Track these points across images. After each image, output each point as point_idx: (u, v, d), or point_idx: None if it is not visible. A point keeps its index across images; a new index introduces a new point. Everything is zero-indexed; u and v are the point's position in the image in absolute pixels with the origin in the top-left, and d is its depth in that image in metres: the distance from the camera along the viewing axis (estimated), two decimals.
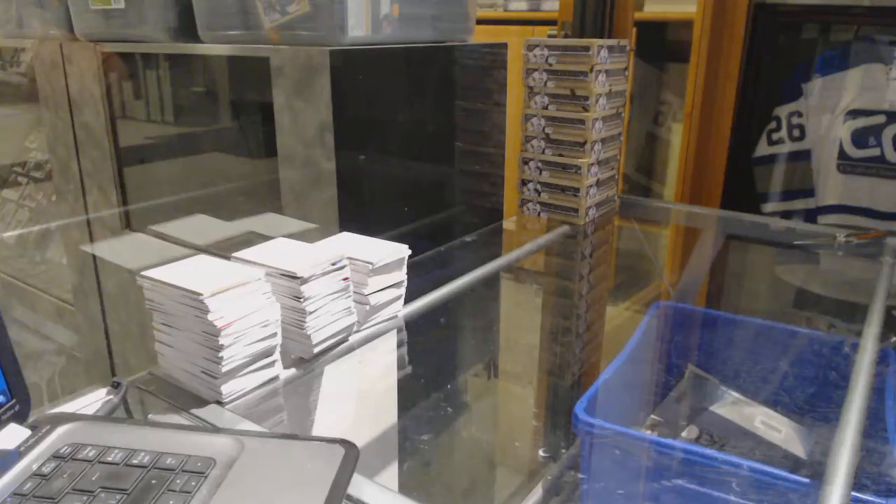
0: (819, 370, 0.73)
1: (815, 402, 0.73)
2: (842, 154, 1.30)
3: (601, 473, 0.53)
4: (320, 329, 0.64)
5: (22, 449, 0.44)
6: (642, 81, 1.85)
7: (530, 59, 1.10)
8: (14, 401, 0.48)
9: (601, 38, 1.24)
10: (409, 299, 0.77)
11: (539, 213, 1.14)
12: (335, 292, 0.65)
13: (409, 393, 0.68)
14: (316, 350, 0.65)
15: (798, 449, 0.65)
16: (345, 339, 0.69)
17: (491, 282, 0.93)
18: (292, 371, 0.63)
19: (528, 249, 1.04)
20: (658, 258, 1.17)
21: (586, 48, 1.03)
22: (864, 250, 1.01)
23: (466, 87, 1.08)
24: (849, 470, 0.48)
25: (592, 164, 1.09)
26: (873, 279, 0.86)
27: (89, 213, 1.31)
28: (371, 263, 0.68)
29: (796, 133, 1.38)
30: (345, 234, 0.75)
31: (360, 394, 0.67)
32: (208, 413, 0.56)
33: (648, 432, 0.49)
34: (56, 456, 0.43)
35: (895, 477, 0.56)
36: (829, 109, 1.33)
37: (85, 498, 0.40)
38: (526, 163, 1.13)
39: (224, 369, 0.56)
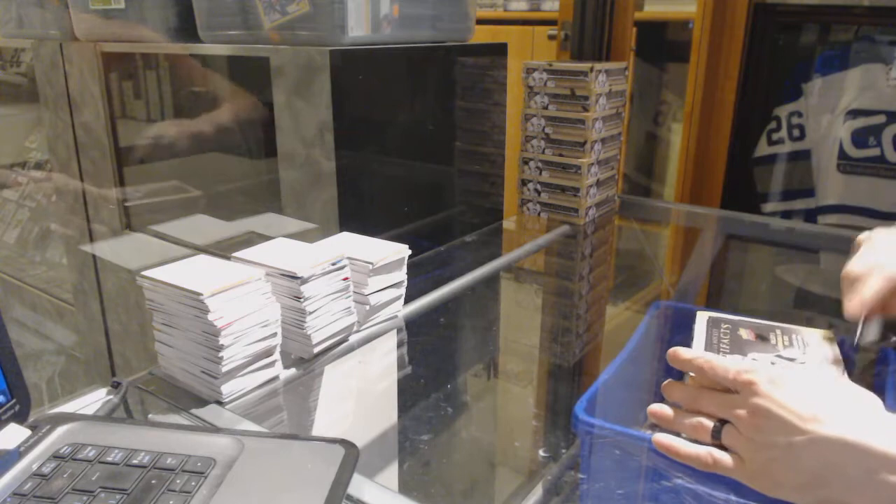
0: None
1: None
2: (842, 154, 1.30)
3: (601, 473, 0.53)
4: (320, 329, 0.64)
5: (22, 449, 0.44)
6: (642, 81, 1.85)
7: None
8: (14, 401, 0.48)
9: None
10: (409, 299, 0.77)
11: (539, 213, 1.14)
12: (335, 292, 0.65)
13: (409, 393, 0.68)
14: (316, 350, 0.65)
15: None
16: (345, 339, 0.69)
17: (491, 282, 0.93)
18: (292, 371, 0.63)
19: (528, 249, 1.04)
20: (658, 258, 1.17)
21: (584, 73, 1.03)
22: None
23: (466, 87, 1.08)
24: None
25: (592, 164, 1.09)
26: None
27: (89, 213, 1.31)
28: (371, 263, 0.68)
29: (796, 133, 1.37)
30: (345, 234, 0.75)
31: (360, 394, 0.67)
32: (208, 413, 0.56)
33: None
34: (56, 456, 0.43)
35: None
36: (829, 109, 1.33)
37: (85, 498, 0.40)
38: (526, 163, 1.13)
39: (224, 369, 0.56)
